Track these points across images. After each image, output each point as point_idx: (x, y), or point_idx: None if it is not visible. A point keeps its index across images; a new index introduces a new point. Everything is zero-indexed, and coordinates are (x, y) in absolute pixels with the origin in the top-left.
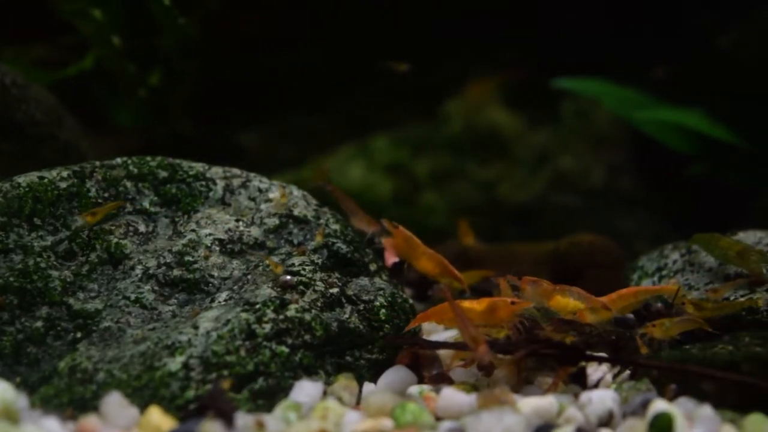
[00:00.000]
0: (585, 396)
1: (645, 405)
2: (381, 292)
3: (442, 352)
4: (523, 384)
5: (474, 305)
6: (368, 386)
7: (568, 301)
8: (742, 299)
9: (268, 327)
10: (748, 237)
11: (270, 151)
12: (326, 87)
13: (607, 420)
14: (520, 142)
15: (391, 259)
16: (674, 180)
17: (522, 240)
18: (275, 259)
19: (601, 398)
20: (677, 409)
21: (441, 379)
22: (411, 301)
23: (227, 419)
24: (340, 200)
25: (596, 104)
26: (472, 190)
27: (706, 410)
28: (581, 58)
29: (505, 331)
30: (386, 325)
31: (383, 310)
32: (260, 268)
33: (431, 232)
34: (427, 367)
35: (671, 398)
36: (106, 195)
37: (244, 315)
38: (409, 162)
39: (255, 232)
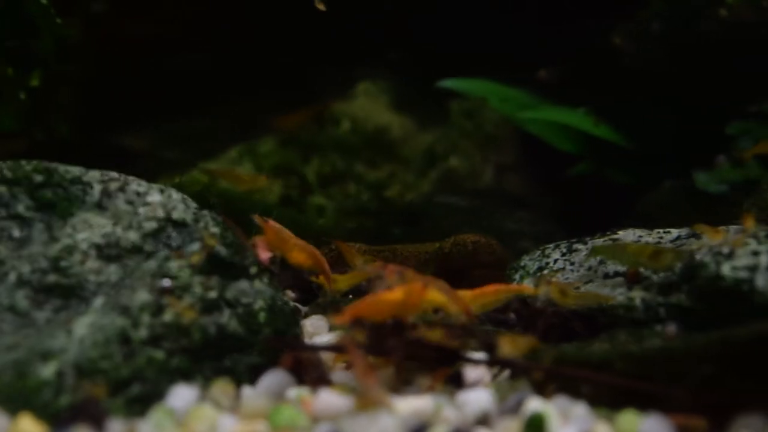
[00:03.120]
0: (462, 396)
1: (520, 404)
2: (261, 296)
3: (327, 355)
4: (402, 385)
5: (391, 295)
6: (247, 390)
7: (435, 295)
8: (620, 297)
9: (144, 332)
10: (627, 235)
11: (157, 154)
12: (213, 90)
13: (484, 419)
14: (409, 143)
15: (263, 254)
16: (561, 179)
17: (410, 241)
18: (153, 263)
19: (478, 398)
20: (552, 407)
21: (320, 382)
22: (292, 303)
23: (99, 426)
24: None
25: (485, 104)
26: (361, 192)
27: (581, 408)
28: (469, 59)
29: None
30: (266, 329)
31: (263, 314)
32: (137, 273)
33: (320, 234)
34: (309, 370)
35: (549, 397)
36: None
37: (119, 320)
38: (297, 164)
39: (132, 236)
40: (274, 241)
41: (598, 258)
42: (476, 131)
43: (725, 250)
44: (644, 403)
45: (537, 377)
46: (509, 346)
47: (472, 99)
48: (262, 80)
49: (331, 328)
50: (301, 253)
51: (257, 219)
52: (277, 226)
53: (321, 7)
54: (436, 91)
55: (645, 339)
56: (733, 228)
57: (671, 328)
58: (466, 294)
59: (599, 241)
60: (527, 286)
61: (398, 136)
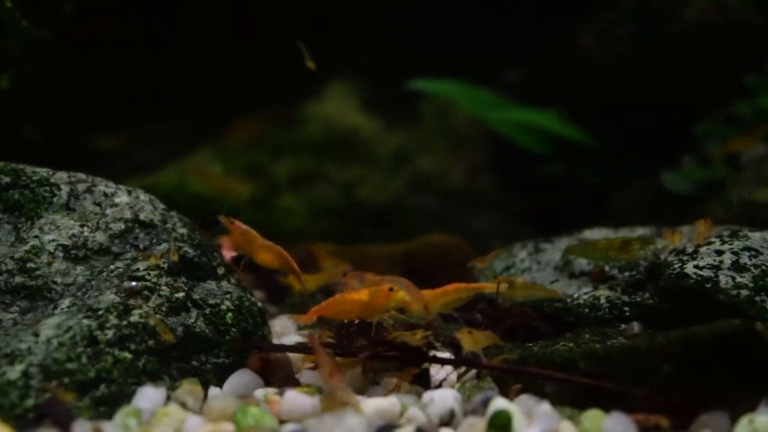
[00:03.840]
0: (427, 396)
1: (485, 403)
2: (228, 296)
3: (295, 356)
4: (369, 385)
5: (357, 296)
6: (214, 391)
7: (398, 294)
8: (585, 296)
9: (110, 333)
10: (594, 234)
11: (127, 155)
12: (184, 91)
13: (449, 419)
14: (379, 144)
15: (228, 253)
16: (530, 179)
17: (380, 241)
18: (120, 264)
19: (443, 398)
20: (517, 406)
21: (288, 382)
22: (260, 304)
23: (65, 427)
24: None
25: (454, 105)
26: (332, 192)
27: (545, 407)
28: (438, 60)
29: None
30: (233, 329)
31: (230, 314)
32: (104, 274)
33: (289, 234)
34: (277, 370)
35: (514, 396)
36: None
37: (86, 321)
38: (267, 164)
39: (100, 237)
40: (241, 241)
41: (568, 258)
42: (446, 132)
43: (689, 249)
44: (608, 401)
45: (502, 376)
46: (468, 341)
47: (441, 100)
48: (233, 81)
49: (300, 329)
50: (268, 253)
51: (223, 220)
52: (244, 226)
53: (311, 65)
54: (406, 91)
55: (609, 338)
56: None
57: (635, 327)
58: (428, 293)
59: (565, 240)
60: (488, 284)
61: (368, 136)
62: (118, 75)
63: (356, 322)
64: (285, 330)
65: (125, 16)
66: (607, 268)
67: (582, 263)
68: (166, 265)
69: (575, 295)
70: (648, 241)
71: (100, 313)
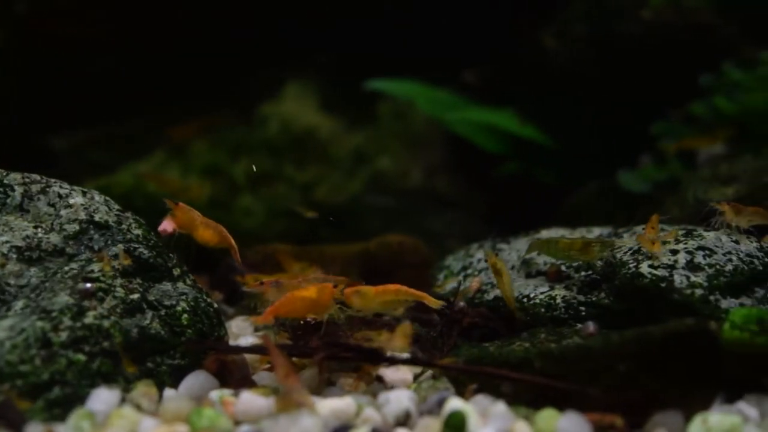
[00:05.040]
0: (383, 396)
1: (441, 403)
2: (183, 297)
3: (252, 357)
4: (325, 385)
5: (306, 293)
6: (169, 392)
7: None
8: (542, 295)
9: (64, 335)
10: (551, 234)
11: (83, 156)
12: (141, 92)
13: (404, 419)
14: (338, 144)
15: (168, 227)
16: (488, 179)
17: (338, 241)
18: (75, 265)
19: (399, 398)
20: (472, 406)
21: (243, 384)
22: (216, 305)
23: (17, 429)
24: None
25: (413, 105)
26: (290, 193)
27: (500, 407)
28: (397, 60)
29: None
30: (189, 330)
31: (185, 315)
32: (59, 275)
33: (247, 235)
34: (234, 371)
35: (470, 396)
36: None
37: (39, 323)
38: (225, 165)
39: (54, 238)
40: (182, 219)
41: (531, 255)
42: (405, 132)
43: (644, 249)
44: (562, 401)
45: (458, 375)
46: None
47: (400, 100)
48: (190, 82)
49: (256, 329)
50: (207, 230)
51: (168, 202)
52: (186, 206)
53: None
54: (364, 92)
55: (565, 337)
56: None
57: (590, 327)
58: (368, 288)
59: (522, 240)
60: (431, 298)
61: (327, 137)
62: (73, 75)
63: (313, 322)
64: (242, 331)
65: (81, 16)
66: (563, 267)
67: (539, 263)
68: (121, 267)
69: (531, 295)
70: (609, 243)
71: (54, 314)
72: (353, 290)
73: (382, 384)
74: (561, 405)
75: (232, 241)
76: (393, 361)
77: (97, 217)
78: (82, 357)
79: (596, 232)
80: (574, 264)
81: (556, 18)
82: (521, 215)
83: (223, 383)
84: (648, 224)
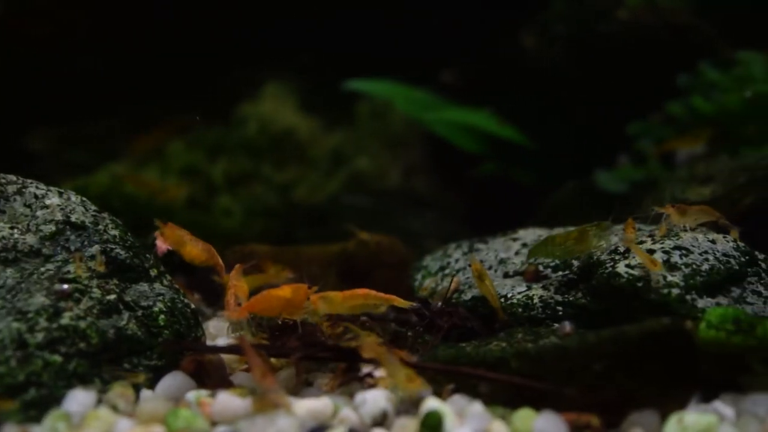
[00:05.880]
0: (360, 396)
1: (418, 403)
2: (160, 298)
3: (231, 357)
4: (302, 386)
5: (281, 292)
6: (146, 393)
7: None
8: (519, 295)
9: (40, 336)
10: (528, 234)
11: (60, 156)
12: (118, 91)
13: (381, 419)
14: (316, 144)
15: (162, 246)
16: (467, 179)
17: (316, 242)
18: (51, 266)
19: (375, 398)
20: (449, 406)
21: (221, 384)
22: (193, 305)
23: None
24: None
25: (392, 105)
26: (268, 193)
27: (477, 407)
28: (377, 60)
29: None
30: (165, 331)
31: (162, 316)
32: (35, 276)
33: (226, 235)
34: (211, 372)
35: (447, 396)
36: None
37: (15, 324)
38: (204, 165)
39: (30, 239)
40: (171, 237)
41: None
42: (383, 132)
43: (621, 248)
44: (540, 401)
45: (435, 375)
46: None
47: (379, 100)
48: (169, 82)
49: (234, 330)
50: (194, 248)
51: (157, 222)
52: (174, 225)
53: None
54: (343, 92)
55: (542, 337)
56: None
57: (566, 327)
58: (336, 294)
59: (500, 240)
60: (400, 299)
61: (305, 137)
62: (50, 75)
63: (291, 323)
64: (219, 332)
65: (57, 16)
66: (541, 267)
67: (516, 263)
68: (97, 269)
69: (509, 295)
70: (603, 226)
71: (30, 315)
72: (320, 296)
73: (360, 383)
74: (538, 405)
75: (220, 260)
76: (370, 362)
77: (73, 218)
78: (58, 358)
79: None
80: (551, 264)
81: (536, 18)
82: (499, 215)
83: (200, 384)
84: (626, 225)
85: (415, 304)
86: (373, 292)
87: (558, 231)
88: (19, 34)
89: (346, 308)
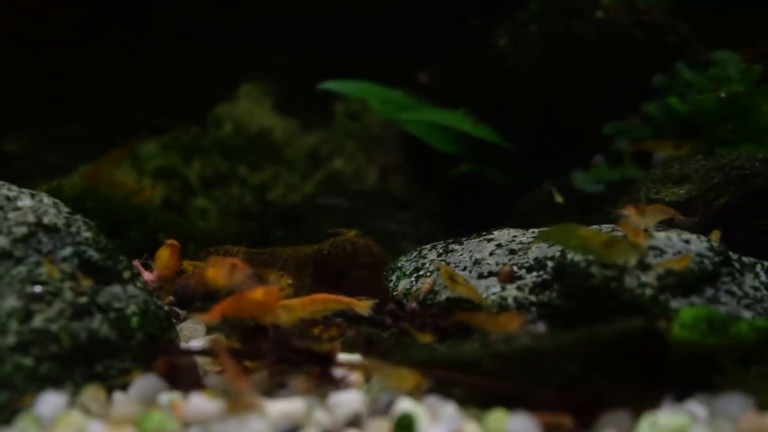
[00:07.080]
0: (334, 398)
1: (390, 405)
2: (133, 300)
3: (205, 359)
4: (275, 388)
5: (253, 294)
6: (118, 395)
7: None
8: (493, 296)
9: (11, 338)
10: (503, 235)
11: (33, 157)
12: (94, 93)
13: (354, 421)
14: (293, 145)
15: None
16: (443, 180)
17: (291, 243)
18: (23, 268)
19: (349, 400)
20: (422, 408)
21: (194, 386)
22: (167, 308)
23: None
24: None
25: (368, 106)
26: (244, 194)
27: (450, 408)
28: (353, 61)
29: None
30: (139, 333)
31: (135, 318)
32: (6, 279)
33: (202, 237)
34: (184, 374)
35: (419, 397)
36: None
37: None
38: (179, 166)
39: (2, 241)
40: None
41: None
42: (360, 133)
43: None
44: (513, 402)
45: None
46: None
47: (355, 101)
48: (144, 83)
49: (208, 332)
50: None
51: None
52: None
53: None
54: (319, 92)
55: (515, 338)
56: (605, 227)
57: (540, 327)
58: (294, 301)
59: (474, 242)
60: (361, 303)
61: (282, 137)
62: (25, 76)
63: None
64: (194, 334)
65: (34, 16)
66: (515, 268)
67: (491, 264)
68: (70, 270)
69: (483, 296)
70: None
71: (1, 318)
72: (280, 305)
73: (334, 385)
74: (512, 405)
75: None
76: (343, 365)
77: (45, 220)
78: (29, 361)
79: None
80: (526, 264)
81: (510, 19)
82: (476, 216)
83: (174, 386)
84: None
85: (373, 307)
86: (332, 297)
87: (531, 231)
88: None
89: (307, 314)
